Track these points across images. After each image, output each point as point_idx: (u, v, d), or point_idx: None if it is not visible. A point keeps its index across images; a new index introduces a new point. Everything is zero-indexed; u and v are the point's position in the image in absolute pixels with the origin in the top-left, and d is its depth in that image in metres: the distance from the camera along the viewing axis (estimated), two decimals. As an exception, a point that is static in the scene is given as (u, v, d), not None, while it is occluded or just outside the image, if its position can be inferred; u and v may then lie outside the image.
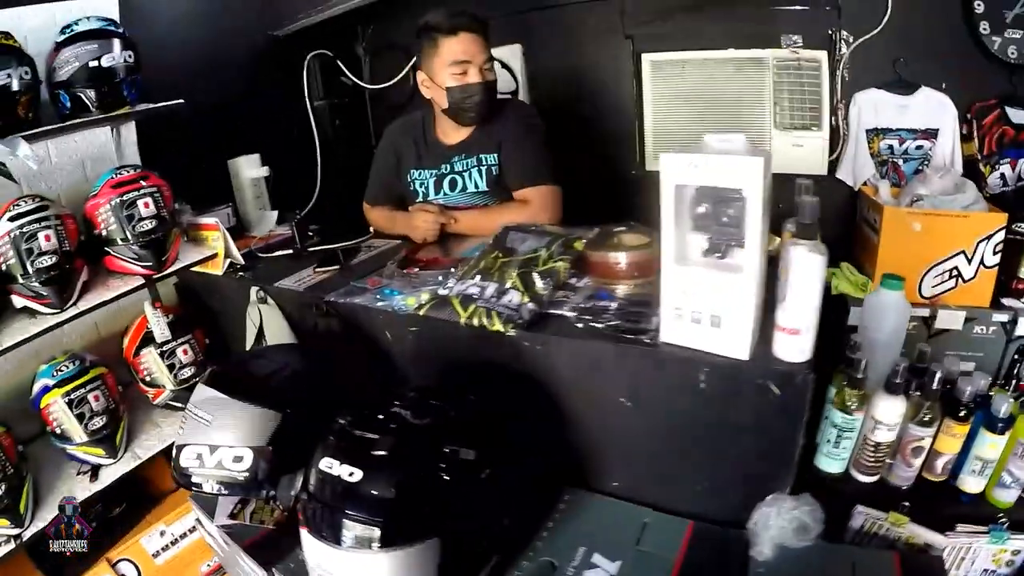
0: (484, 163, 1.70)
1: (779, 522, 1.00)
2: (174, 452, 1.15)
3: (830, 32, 1.98)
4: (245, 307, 1.58)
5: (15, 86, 1.45)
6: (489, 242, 1.32)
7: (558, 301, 1.17)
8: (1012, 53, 1.83)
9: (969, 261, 1.34)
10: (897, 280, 1.21)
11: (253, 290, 1.55)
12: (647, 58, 2.21)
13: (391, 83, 1.83)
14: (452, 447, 0.97)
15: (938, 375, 1.11)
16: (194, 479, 1.12)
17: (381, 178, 1.89)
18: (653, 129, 2.26)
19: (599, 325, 1.09)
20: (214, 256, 1.71)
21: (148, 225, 1.56)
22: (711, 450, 1.08)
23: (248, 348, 1.58)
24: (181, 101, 1.72)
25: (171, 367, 1.71)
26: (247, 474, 1.09)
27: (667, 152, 0.95)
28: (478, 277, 1.19)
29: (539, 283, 1.16)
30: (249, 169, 1.95)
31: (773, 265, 0.97)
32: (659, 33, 2.16)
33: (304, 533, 0.96)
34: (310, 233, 1.74)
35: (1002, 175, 1.88)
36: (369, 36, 2.12)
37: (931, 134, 1.93)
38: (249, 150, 1.99)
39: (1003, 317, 1.31)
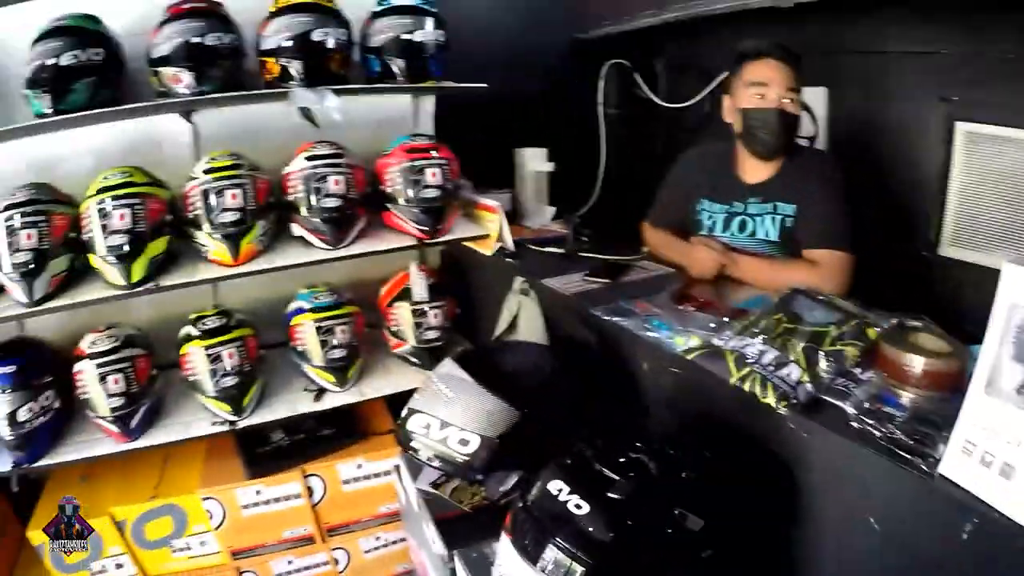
0: (779, 212, 1.59)
1: None
2: (405, 412, 1.19)
3: None
4: (504, 293, 1.61)
5: (331, 43, 1.60)
6: (774, 300, 1.22)
7: (838, 390, 1.04)
8: None
9: None
10: None
11: (518, 280, 1.57)
12: (962, 127, 1.87)
13: (688, 104, 1.79)
14: (682, 512, 0.91)
15: None
16: (414, 444, 1.15)
17: (669, 201, 1.82)
18: (957, 210, 1.91)
19: (878, 433, 0.95)
20: (485, 236, 1.78)
21: (432, 193, 1.66)
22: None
23: (497, 334, 1.61)
24: (485, 85, 1.79)
25: (418, 325, 1.79)
26: (467, 458, 1.10)
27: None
28: (759, 338, 1.10)
29: (823, 364, 1.05)
30: (535, 161, 1.98)
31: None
32: (981, 101, 1.82)
33: (505, 539, 0.95)
34: (584, 238, 1.73)
35: None
36: (670, 53, 2.09)
37: None
38: (534, 144, 2.03)
39: None
